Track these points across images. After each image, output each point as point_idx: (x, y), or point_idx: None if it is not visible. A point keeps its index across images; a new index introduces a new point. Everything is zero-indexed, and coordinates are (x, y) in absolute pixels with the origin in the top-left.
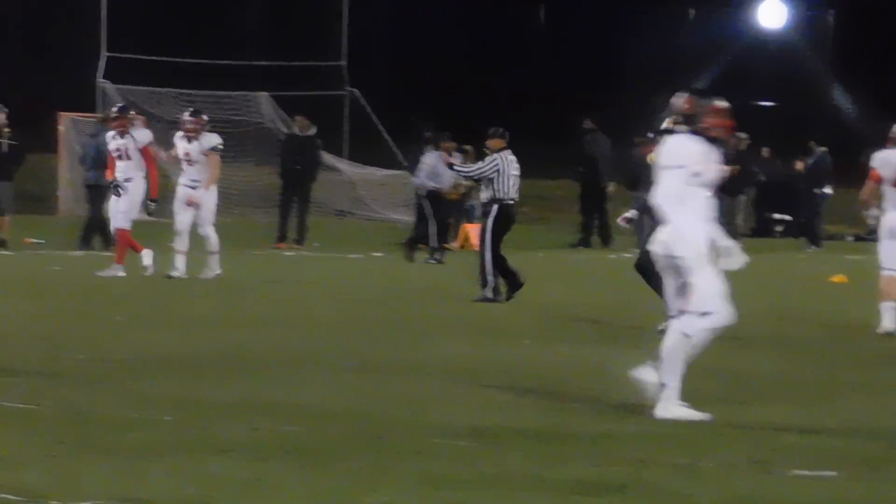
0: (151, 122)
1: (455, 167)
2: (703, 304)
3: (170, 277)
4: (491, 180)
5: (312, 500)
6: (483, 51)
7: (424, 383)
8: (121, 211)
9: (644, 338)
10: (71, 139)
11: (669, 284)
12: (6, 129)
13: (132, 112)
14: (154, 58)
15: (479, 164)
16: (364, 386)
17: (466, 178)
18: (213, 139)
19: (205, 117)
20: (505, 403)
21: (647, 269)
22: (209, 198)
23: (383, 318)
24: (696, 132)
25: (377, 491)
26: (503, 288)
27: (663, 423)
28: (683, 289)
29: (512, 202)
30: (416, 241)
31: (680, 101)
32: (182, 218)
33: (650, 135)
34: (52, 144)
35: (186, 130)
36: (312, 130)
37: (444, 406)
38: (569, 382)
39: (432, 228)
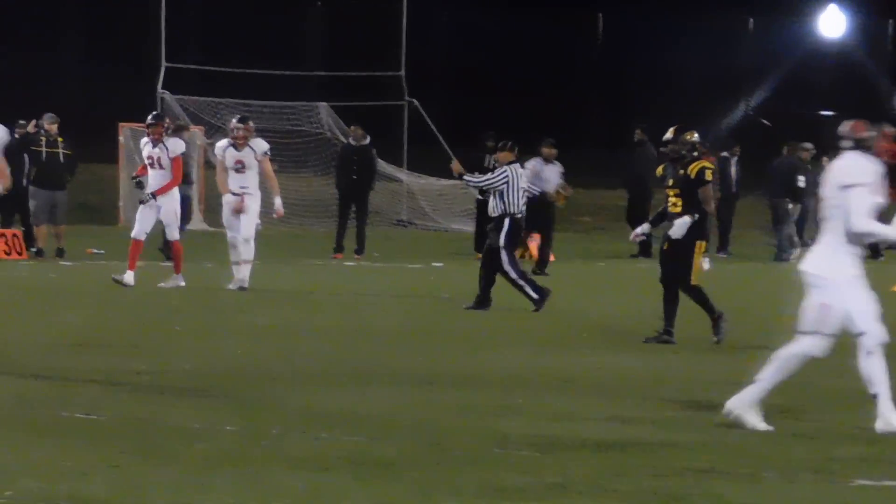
0: (211, 132)
1: (465, 177)
2: (858, 324)
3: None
4: (501, 193)
5: None
6: (541, 59)
7: (485, 393)
8: (170, 224)
9: (708, 349)
10: (130, 149)
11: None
12: (59, 139)
13: (183, 123)
14: (213, 68)
15: (490, 175)
16: (425, 396)
17: (475, 187)
18: (264, 144)
19: (251, 124)
20: (566, 413)
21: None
22: (255, 205)
23: (443, 329)
24: (866, 152)
25: (438, 501)
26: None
27: (724, 433)
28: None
29: (521, 216)
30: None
31: (848, 126)
32: (235, 232)
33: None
34: (113, 155)
35: (236, 138)
36: (367, 140)
37: (504, 416)
38: (629, 392)
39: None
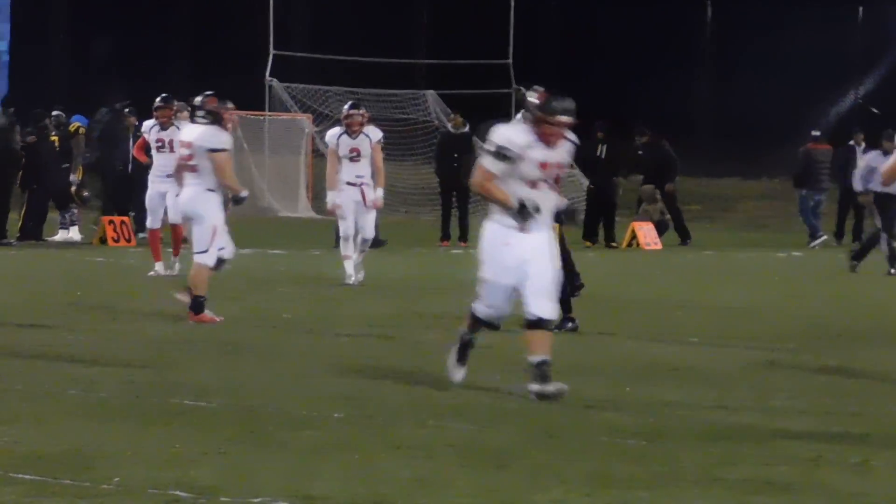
0: (318, 120)
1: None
2: None
3: (349, 285)
4: None
5: (482, 498)
6: (649, 46)
7: (593, 382)
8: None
9: (818, 338)
10: (239, 137)
11: None
12: None
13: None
14: (320, 56)
15: None
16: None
17: None
18: (378, 132)
19: (364, 110)
20: (674, 402)
21: None
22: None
23: None
24: None
25: (547, 490)
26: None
27: (834, 421)
28: None
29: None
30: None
31: None
32: (348, 223)
33: (816, 133)
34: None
35: (350, 125)
36: (466, 128)
37: (613, 405)
38: (738, 381)
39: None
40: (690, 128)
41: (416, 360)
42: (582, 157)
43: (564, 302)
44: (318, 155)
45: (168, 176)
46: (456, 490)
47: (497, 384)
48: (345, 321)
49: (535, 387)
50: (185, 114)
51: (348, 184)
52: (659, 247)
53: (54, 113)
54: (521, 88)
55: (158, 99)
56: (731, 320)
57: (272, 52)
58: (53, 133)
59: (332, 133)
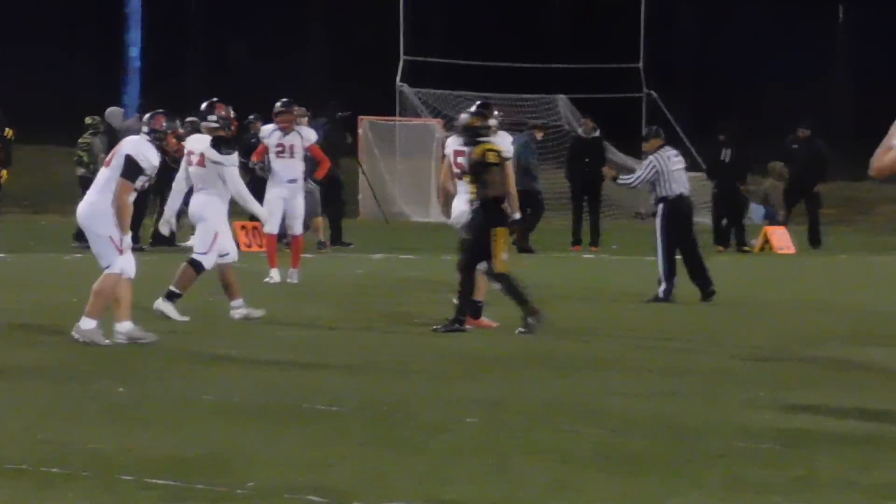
0: (450, 124)
1: (618, 181)
2: None
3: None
4: (653, 182)
5: (617, 502)
6: (780, 50)
7: (728, 386)
8: (297, 217)
9: None
10: (370, 142)
11: None
12: None
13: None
14: (452, 61)
15: (637, 171)
16: (667, 389)
17: (630, 187)
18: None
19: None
20: (812, 405)
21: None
22: None
23: (684, 321)
24: None
25: (682, 494)
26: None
27: None
28: None
29: (679, 196)
30: None
31: None
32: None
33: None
34: (353, 148)
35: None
36: (597, 132)
37: (748, 409)
38: (876, 384)
39: None
40: (828, 129)
41: (549, 364)
42: (709, 162)
43: (463, 305)
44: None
45: (289, 181)
46: (591, 494)
47: (630, 389)
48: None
49: None
50: (305, 119)
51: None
52: (793, 251)
53: (188, 119)
54: (652, 93)
55: (279, 104)
56: (868, 324)
57: (403, 56)
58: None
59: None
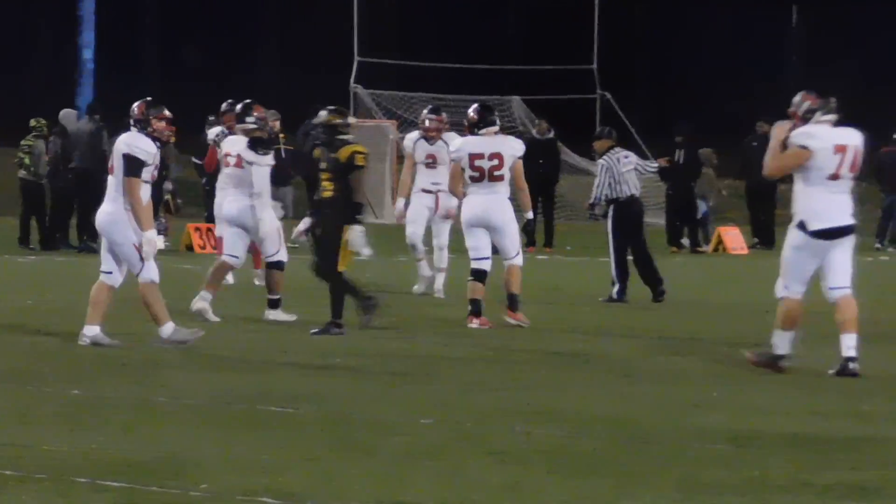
0: (403, 126)
1: (593, 205)
2: None
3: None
4: (608, 183)
5: None
6: (734, 50)
7: (681, 387)
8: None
9: None
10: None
11: None
12: (282, 136)
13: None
14: (405, 62)
15: (595, 184)
16: (623, 391)
17: (602, 201)
18: (458, 140)
19: (445, 115)
20: (763, 407)
21: None
22: (452, 206)
23: (638, 322)
24: None
25: (636, 496)
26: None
27: None
28: None
29: (630, 198)
30: None
31: None
32: (416, 229)
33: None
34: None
35: (428, 130)
36: (551, 134)
37: (701, 410)
38: (828, 386)
39: None
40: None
41: (503, 366)
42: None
43: (338, 305)
44: (403, 161)
45: (424, 191)
46: (546, 496)
47: (583, 390)
48: (432, 327)
49: None
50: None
51: (423, 191)
52: (746, 251)
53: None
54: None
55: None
56: (820, 324)
57: (357, 58)
58: None
59: (410, 137)
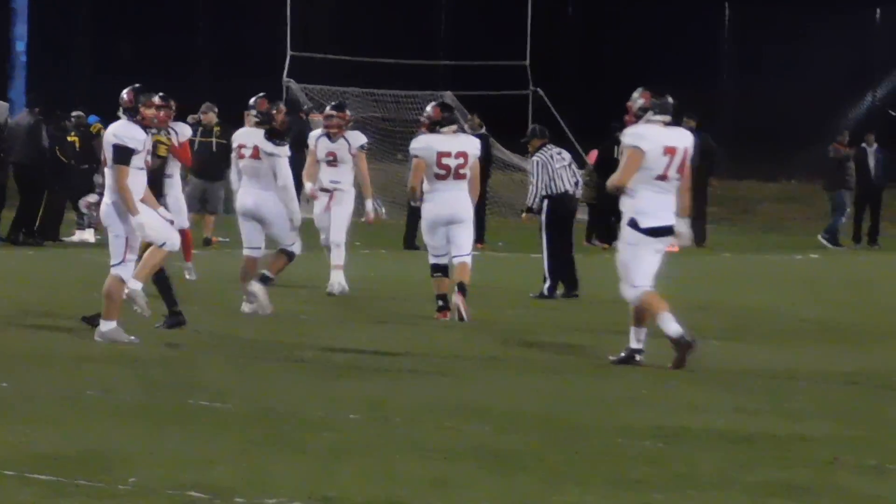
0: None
1: (531, 206)
2: None
3: (331, 294)
4: (544, 179)
5: (499, 500)
6: (668, 48)
7: (610, 383)
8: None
9: (841, 341)
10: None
11: None
12: (216, 129)
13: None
14: (337, 57)
15: (531, 183)
16: (551, 387)
17: (541, 197)
18: (361, 138)
19: (349, 112)
20: (691, 404)
21: None
22: (347, 203)
23: (569, 319)
24: None
25: (564, 492)
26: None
27: (851, 425)
28: None
29: (564, 194)
30: None
31: None
32: (327, 234)
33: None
34: None
35: (329, 127)
36: (482, 129)
37: (630, 406)
38: (757, 384)
39: None
40: (711, 130)
41: (432, 362)
42: (599, 158)
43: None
44: None
45: (168, 176)
46: (474, 492)
47: (513, 387)
48: (361, 321)
49: None
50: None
51: (322, 189)
52: (675, 249)
53: (74, 114)
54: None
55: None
56: (749, 323)
57: (290, 52)
58: (73, 133)
59: (314, 134)
